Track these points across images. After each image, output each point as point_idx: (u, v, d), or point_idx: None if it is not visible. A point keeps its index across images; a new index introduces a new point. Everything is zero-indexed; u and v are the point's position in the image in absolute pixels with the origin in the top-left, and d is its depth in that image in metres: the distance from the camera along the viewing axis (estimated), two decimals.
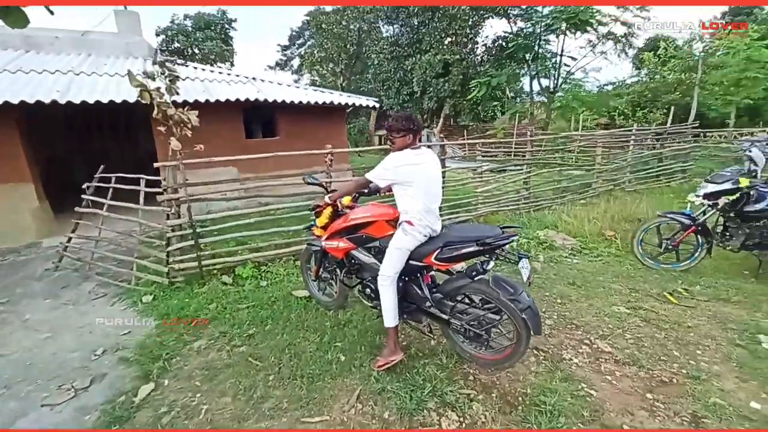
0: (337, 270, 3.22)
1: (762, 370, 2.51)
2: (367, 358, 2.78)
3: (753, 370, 2.52)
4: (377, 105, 9.20)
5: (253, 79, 8.67)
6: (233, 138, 7.66)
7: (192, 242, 4.10)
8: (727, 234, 3.81)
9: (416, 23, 17.06)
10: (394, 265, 2.55)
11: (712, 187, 3.68)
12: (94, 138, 10.85)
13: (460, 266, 2.77)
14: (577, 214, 6.06)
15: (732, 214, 3.70)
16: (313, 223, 3.16)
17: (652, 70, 15.62)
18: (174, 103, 4.07)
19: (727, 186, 3.58)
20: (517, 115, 16.40)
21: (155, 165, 4.05)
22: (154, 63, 4.39)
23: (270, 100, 7.50)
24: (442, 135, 16.70)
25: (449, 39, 16.56)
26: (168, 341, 3.11)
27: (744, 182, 3.51)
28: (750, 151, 3.67)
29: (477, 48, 17.56)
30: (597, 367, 2.63)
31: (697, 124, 8.58)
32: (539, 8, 13.82)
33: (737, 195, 3.56)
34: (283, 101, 7.61)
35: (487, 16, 16.10)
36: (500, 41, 15.90)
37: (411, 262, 2.57)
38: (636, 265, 4.31)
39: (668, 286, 3.75)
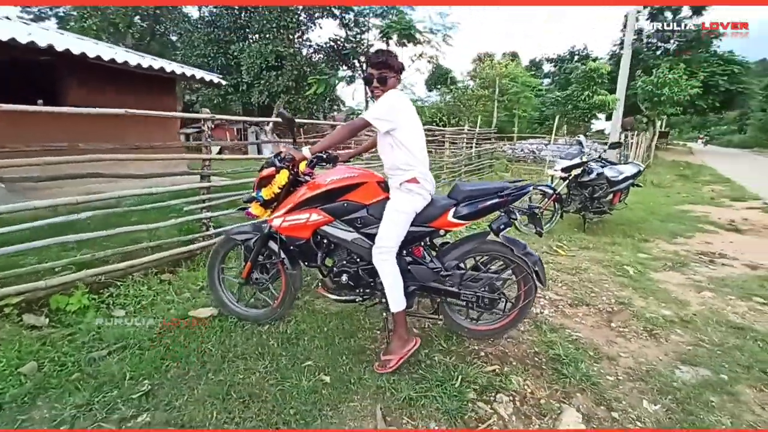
0: (287, 261, 2.31)
1: (649, 287, 3.28)
2: (362, 367, 2.09)
3: (643, 289, 3.25)
4: (222, 82, 7.58)
5: (7, 18, 5.57)
6: None
7: None
8: (569, 200, 4.94)
9: (236, 7, 15.28)
10: (398, 234, 2.04)
11: (565, 163, 4.69)
12: None
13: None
14: None
15: (574, 184, 4.82)
16: (256, 196, 2.15)
17: (461, 85, 19.40)
18: None
19: (577, 161, 4.63)
20: (354, 116, 17.16)
21: None
22: None
23: (59, 48, 4.90)
24: (275, 134, 15.56)
25: (282, 31, 15.64)
26: None
27: (584, 159, 4.64)
28: (579, 137, 4.88)
29: (311, 44, 17.29)
30: (563, 313, 2.83)
31: (495, 131, 11.23)
32: (373, 16, 14.93)
33: (582, 168, 4.66)
34: (83, 56, 5.14)
35: (318, 15, 16.13)
36: (332, 42, 16.19)
37: (411, 228, 2.08)
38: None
39: (546, 243, 4.52)
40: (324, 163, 2.40)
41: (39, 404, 1.75)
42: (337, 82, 15.50)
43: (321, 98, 16.33)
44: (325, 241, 2.22)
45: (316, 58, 17.07)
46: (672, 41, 22.42)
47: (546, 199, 4.78)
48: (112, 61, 5.51)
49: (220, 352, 2.18)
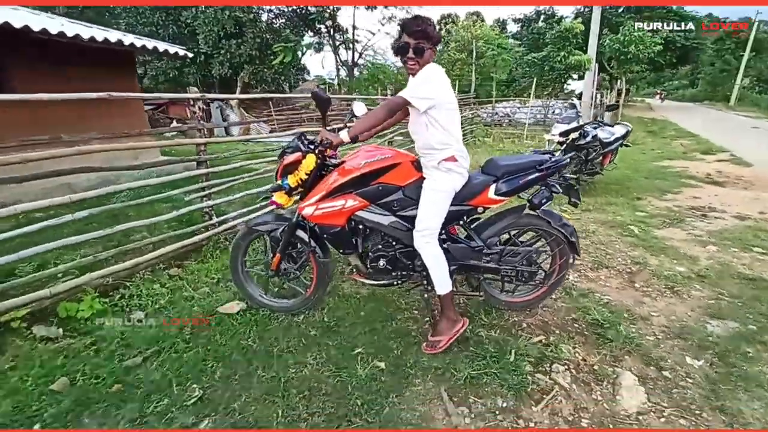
0: (318, 250, 2.19)
1: (656, 245, 3.42)
2: (413, 350, 2.06)
3: (652, 248, 3.39)
4: (189, 54, 6.88)
5: None
6: None
7: None
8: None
9: None
10: (439, 215, 1.97)
11: (563, 127, 4.71)
12: None
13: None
14: None
15: (569, 148, 4.87)
16: (282, 184, 1.97)
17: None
18: None
19: (574, 125, 4.66)
20: (327, 86, 16.38)
21: None
22: None
23: None
24: (241, 109, 14.58)
25: None
26: None
27: (581, 122, 4.67)
28: (572, 100, 4.87)
29: (271, 8, 15.90)
30: (586, 277, 2.91)
31: (475, 95, 11.11)
32: None
33: (580, 132, 4.70)
34: (26, 29, 4.43)
35: None
36: (294, 6, 14.99)
37: (451, 208, 2.01)
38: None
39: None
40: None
41: (86, 422, 1.60)
42: (305, 50, 14.57)
43: (288, 68, 15.41)
44: (361, 226, 2.10)
45: (278, 24, 15.86)
46: None
47: None
48: (61, 34, 4.80)
49: (264, 348, 2.07)
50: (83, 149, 2.51)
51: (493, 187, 2.02)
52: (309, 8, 14.95)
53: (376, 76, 13.95)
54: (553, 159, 2.07)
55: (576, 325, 2.31)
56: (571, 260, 2.29)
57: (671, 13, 22.57)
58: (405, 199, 2.04)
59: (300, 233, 2.20)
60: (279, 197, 2.01)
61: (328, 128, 1.94)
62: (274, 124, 14.65)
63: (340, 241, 2.11)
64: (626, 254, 3.27)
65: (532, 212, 2.20)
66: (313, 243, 2.18)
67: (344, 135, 1.82)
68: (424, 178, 2.01)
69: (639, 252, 3.31)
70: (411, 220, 2.04)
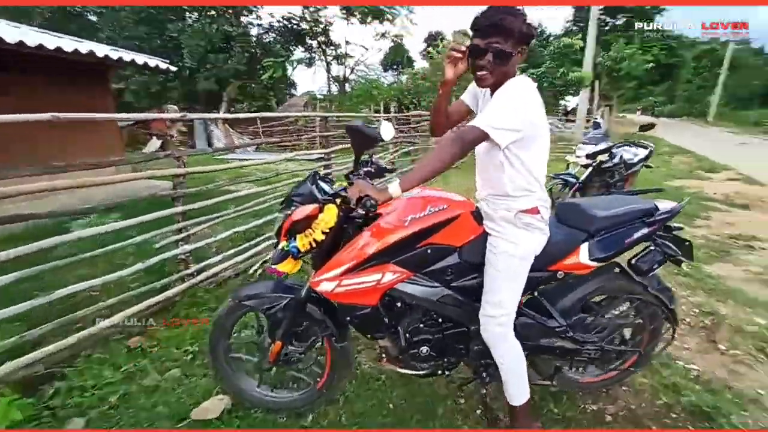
0: (334, 331, 1.59)
1: (715, 286, 2.93)
2: None
3: (712, 290, 2.90)
4: (171, 68, 6.25)
5: None
6: None
7: None
8: (590, 188, 4.56)
9: None
10: (518, 288, 1.44)
11: (590, 148, 4.25)
12: None
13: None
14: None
15: (595, 170, 4.42)
16: (289, 249, 1.37)
17: (435, 63, 18.23)
18: None
19: (603, 146, 4.21)
20: (317, 102, 15.83)
21: None
22: None
23: None
24: (226, 125, 13.82)
25: (227, 8, 13.77)
26: None
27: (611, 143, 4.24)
28: (597, 118, 4.46)
29: (261, 23, 15.42)
30: None
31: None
32: None
33: (609, 153, 4.25)
34: None
35: None
36: (285, 21, 14.55)
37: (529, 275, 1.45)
38: None
39: None
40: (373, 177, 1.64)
41: None
42: (295, 65, 14.09)
43: (277, 83, 14.86)
44: (399, 303, 1.51)
45: (268, 39, 15.33)
46: (619, 16, 23.22)
47: (569, 190, 4.34)
48: (20, 44, 4.15)
49: None
50: (23, 188, 1.84)
51: (585, 248, 1.48)
52: (300, 23, 14.55)
53: (369, 91, 13.54)
54: (663, 208, 1.54)
55: (673, 415, 1.77)
56: (669, 332, 1.75)
57: (656, 32, 23.24)
58: (462, 264, 1.47)
59: (311, 308, 1.59)
60: (284, 266, 1.41)
61: (358, 174, 1.37)
62: (260, 140, 13.89)
63: (369, 325, 1.52)
64: (688, 300, 2.77)
65: (621, 272, 1.66)
66: (328, 322, 1.57)
67: (394, 189, 1.22)
68: (488, 234, 1.45)
69: (702, 298, 2.81)
70: (468, 292, 1.49)
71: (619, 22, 23.06)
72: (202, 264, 2.85)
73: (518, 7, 1.24)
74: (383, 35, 14.26)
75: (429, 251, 1.43)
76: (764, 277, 3.13)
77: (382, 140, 1.36)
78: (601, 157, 4.24)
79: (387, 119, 1.54)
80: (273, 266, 1.41)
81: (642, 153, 4.80)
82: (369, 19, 13.12)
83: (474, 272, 1.49)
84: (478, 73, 1.29)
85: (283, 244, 1.42)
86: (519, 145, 1.27)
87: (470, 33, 1.29)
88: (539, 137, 1.31)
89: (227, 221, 3.18)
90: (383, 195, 1.20)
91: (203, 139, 15.01)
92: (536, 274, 1.48)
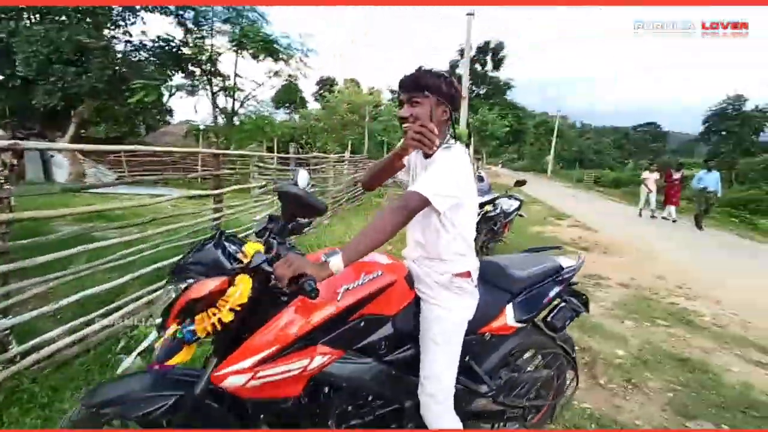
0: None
1: (583, 322, 3.42)
2: None
3: (576, 327, 3.37)
4: None
5: None
6: None
7: None
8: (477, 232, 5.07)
9: None
10: (454, 359, 1.39)
11: (480, 199, 4.74)
12: None
13: None
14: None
15: (481, 219, 4.94)
16: (184, 336, 1.03)
17: (330, 107, 18.55)
18: None
19: (489, 197, 4.75)
20: (201, 133, 14.21)
21: None
22: None
23: None
24: (76, 152, 11.19)
25: (85, 16, 11.59)
26: None
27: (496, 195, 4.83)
28: (480, 172, 5.05)
29: (130, 40, 13.35)
30: None
31: (367, 156, 11.18)
32: (220, 21, 12.70)
33: (493, 204, 4.81)
34: None
35: (139, 9, 12.62)
36: (162, 43, 12.96)
37: None
38: None
39: None
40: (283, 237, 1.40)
41: None
42: (174, 90, 12.66)
43: (149, 108, 13.07)
44: (326, 389, 1.27)
45: (137, 57, 13.54)
46: (482, 87, 28.22)
47: None
48: None
49: None
50: None
51: (510, 309, 1.51)
52: (181, 47, 13.30)
53: (261, 127, 12.94)
54: (567, 266, 1.69)
55: None
56: (574, 380, 1.88)
57: (508, 103, 28.74)
58: (397, 334, 1.33)
59: (209, 404, 1.22)
60: (174, 359, 1.05)
61: (283, 244, 1.15)
62: (122, 171, 11.84)
63: (289, 418, 1.23)
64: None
65: (533, 327, 1.75)
66: (233, 421, 1.22)
67: (335, 262, 1.04)
68: (420, 299, 1.37)
69: (577, 333, 3.23)
70: (402, 365, 1.34)
71: (482, 92, 27.90)
72: (33, 342, 2.06)
73: (442, 71, 1.30)
74: (276, 73, 14.14)
75: (362, 323, 1.26)
76: (614, 312, 3.79)
77: (326, 211, 1.18)
78: (487, 207, 4.77)
79: (298, 164, 1.36)
80: (159, 363, 1.04)
81: (515, 204, 5.60)
82: (262, 56, 12.85)
83: (408, 342, 1.37)
84: (404, 125, 1.29)
85: (173, 329, 1.07)
86: (453, 210, 1.27)
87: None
88: (470, 203, 1.34)
89: (75, 280, 2.43)
90: (323, 272, 1.01)
91: (38, 165, 11.99)
92: (469, 337, 1.44)
